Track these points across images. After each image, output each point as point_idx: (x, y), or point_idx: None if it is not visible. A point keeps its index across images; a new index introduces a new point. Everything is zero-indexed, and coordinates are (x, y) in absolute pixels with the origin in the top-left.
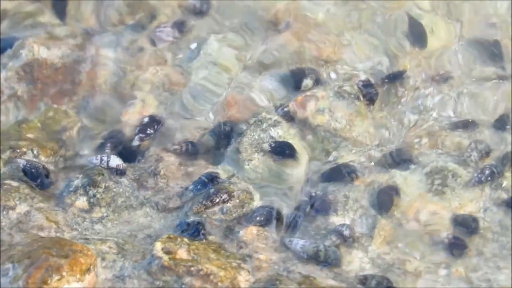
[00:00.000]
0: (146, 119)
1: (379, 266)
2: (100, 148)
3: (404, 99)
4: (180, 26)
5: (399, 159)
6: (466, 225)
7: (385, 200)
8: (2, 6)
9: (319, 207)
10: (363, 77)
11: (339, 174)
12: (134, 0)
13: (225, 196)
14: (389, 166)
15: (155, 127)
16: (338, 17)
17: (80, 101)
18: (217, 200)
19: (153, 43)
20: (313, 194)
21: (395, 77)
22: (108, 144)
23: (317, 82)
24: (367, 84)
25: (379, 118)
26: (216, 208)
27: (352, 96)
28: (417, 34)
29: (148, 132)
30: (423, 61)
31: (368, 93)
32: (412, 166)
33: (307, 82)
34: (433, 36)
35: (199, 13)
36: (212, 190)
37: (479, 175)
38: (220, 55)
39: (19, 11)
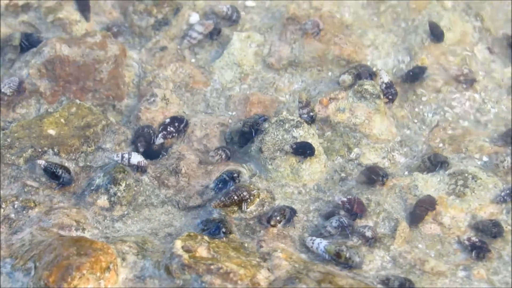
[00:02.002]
0: (168, 119)
1: (400, 267)
2: (132, 146)
3: (425, 97)
4: (213, 34)
5: (436, 162)
6: (488, 229)
7: (419, 215)
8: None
9: (358, 210)
10: (386, 79)
11: (376, 175)
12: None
13: (245, 194)
14: (428, 170)
15: (178, 125)
16: (362, 16)
17: (104, 99)
18: (236, 198)
19: (182, 42)
20: (344, 200)
21: (416, 76)
22: (141, 142)
23: (358, 77)
24: (389, 85)
25: (401, 117)
26: (236, 206)
27: (374, 96)
28: (436, 31)
29: (171, 130)
30: (444, 59)
31: (389, 92)
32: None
33: (345, 77)
34: (453, 34)
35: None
36: (232, 188)
37: (505, 196)
38: (242, 55)
39: (41, 5)
